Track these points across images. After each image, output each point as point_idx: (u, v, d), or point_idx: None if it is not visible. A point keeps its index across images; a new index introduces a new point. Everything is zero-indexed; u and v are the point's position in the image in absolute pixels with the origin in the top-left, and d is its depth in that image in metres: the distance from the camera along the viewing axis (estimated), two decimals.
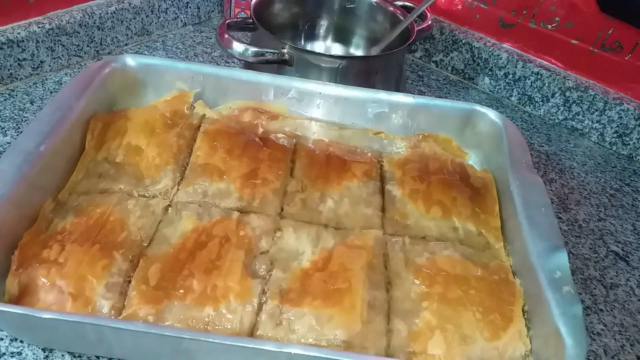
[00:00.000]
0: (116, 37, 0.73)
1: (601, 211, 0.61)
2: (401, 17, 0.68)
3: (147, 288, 0.39)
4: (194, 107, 0.56)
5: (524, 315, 0.41)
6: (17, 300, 0.38)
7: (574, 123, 0.73)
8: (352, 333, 0.38)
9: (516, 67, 0.74)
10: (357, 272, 0.42)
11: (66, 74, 0.68)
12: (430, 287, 0.41)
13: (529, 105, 0.76)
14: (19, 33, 0.62)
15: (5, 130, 0.58)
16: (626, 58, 0.67)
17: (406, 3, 0.71)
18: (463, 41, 0.77)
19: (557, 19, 0.70)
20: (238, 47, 0.57)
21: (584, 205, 0.61)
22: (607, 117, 0.70)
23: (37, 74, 0.66)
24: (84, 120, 0.50)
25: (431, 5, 0.81)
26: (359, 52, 0.75)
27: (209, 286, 0.39)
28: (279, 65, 0.60)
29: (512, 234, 0.47)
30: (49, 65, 0.67)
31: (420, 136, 0.57)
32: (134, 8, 0.73)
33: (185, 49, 0.77)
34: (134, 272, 0.40)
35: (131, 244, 0.42)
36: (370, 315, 0.39)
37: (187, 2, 0.80)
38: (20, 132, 0.57)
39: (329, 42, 0.76)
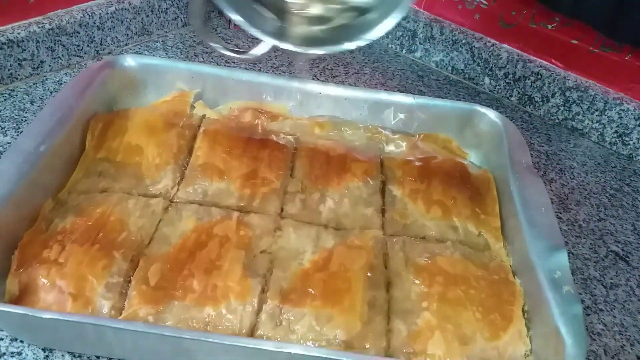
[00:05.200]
0: (116, 37, 0.73)
1: (601, 211, 0.61)
2: None
3: (147, 288, 0.39)
4: (194, 107, 0.56)
5: (524, 315, 0.41)
6: (18, 300, 0.38)
7: (574, 123, 0.73)
8: (352, 333, 0.38)
9: (516, 67, 0.74)
10: (357, 272, 0.42)
11: (66, 74, 0.68)
12: (430, 287, 0.41)
13: (529, 105, 0.76)
14: (19, 33, 0.62)
15: (6, 130, 0.58)
16: (626, 58, 0.67)
17: None
18: (463, 41, 0.77)
19: (557, 19, 0.70)
20: None
21: (584, 205, 0.61)
22: (607, 117, 0.70)
23: (37, 74, 0.66)
24: (84, 120, 0.50)
25: (430, 4, 0.81)
26: None
27: (209, 286, 0.39)
28: None
29: (512, 234, 0.47)
30: (49, 65, 0.67)
31: (421, 136, 0.57)
32: (134, 8, 0.73)
33: (186, 49, 0.77)
34: (134, 272, 0.40)
35: (131, 244, 0.42)
36: (370, 315, 0.39)
37: (187, 2, 0.80)
38: (21, 132, 0.57)
39: None
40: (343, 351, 0.37)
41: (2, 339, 0.40)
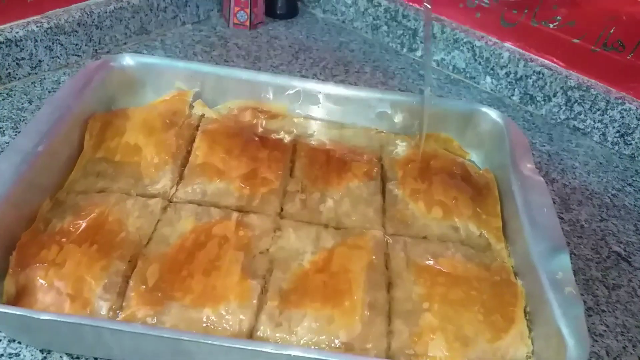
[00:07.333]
0: (115, 36, 0.72)
1: (603, 211, 0.60)
2: None
3: (145, 289, 0.39)
4: (193, 107, 0.55)
5: (525, 316, 0.41)
6: (15, 301, 0.38)
7: (575, 122, 0.73)
8: (353, 334, 0.38)
9: (518, 66, 0.74)
10: (358, 273, 0.41)
11: (64, 73, 0.67)
12: (431, 288, 0.41)
13: (531, 105, 0.75)
14: (17, 32, 0.62)
15: (4, 130, 0.57)
16: (628, 57, 0.67)
17: None
18: (464, 40, 0.77)
19: (558, 17, 0.70)
20: None
21: (585, 205, 0.61)
22: (609, 116, 0.69)
23: (36, 74, 0.66)
24: (82, 120, 0.50)
25: (434, 2, 0.81)
26: None
27: (208, 287, 0.39)
28: None
29: (514, 235, 0.46)
30: (47, 65, 0.66)
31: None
32: (132, 7, 0.72)
33: (184, 48, 0.76)
34: (133, 272, 0.40)
35: (129, 245, 0.41)
36: (370, 316, 0.39)
37: (186, 1, 0.80)
38: (19, 132, 0.57)
39: None
40: (343, 353, 0.37)
41: (0, 340, 0.39)
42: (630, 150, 0.70)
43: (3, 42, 0.61)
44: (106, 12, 0.70)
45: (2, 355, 0.39)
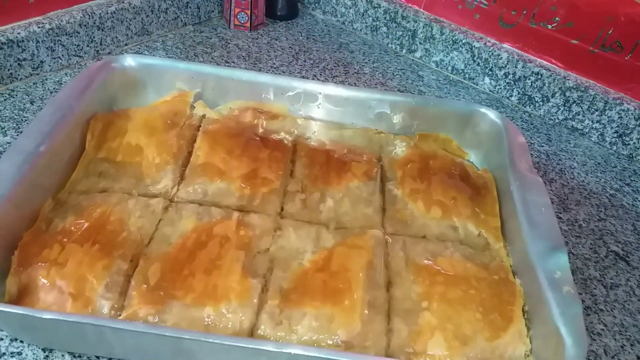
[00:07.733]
0: (116, 37, 0.73)
1: (601, 211, 0.61)
2: None
3: (147, 288, 0.39)
4: (194, 107, 0.56)
5: (524, 315, 0.41)
6: (17, 300, 0.38)
7: (574, 123, 0.73)
8: (353, 333, 0.38)
9: (516, 67, 0.74)
10: (357, 272, 0.42)
11: (66, 74, 0.67)
12: (430, 287, 0.41)
13: (529, 105, 0.76)
14: (19, 33, 0.62)
15: (5, 130, 0.58)
16: (626, 58, 0.67)
17: None
18: (463, 41, 0.77)
19: (557, 18, 0.70)
20: None
21: (584, 205, 0.61)
22: (607, 117, 0.70)
23: (37, 74, 0.66)
24: (84, 120, 0.50)
25: (430, 4, 0.81)
26: None
27: (209, 286, 0.39)
28: None
29: (512, 234, 0.47)
30: (49, 65, 0.67)
31: (420, 136, 0.57)
32: (134, 8, 0.73)
33: (186, 49, 0.77)
34: (134, 272, 0.40)
35: (131, 244, 0.42)
36: (370, 314, 0.39)
37: (187, 2, 0.80)
38: (20, 132, 0.57)
39: None
40: (343, 351, 0.37)
41: (2, 339, 0.40)
42: (628, 151, 0.70)
43: (5, 43, 0.61)
44: (107, 13, 0.70)
45: (4, 354, 0.39)
